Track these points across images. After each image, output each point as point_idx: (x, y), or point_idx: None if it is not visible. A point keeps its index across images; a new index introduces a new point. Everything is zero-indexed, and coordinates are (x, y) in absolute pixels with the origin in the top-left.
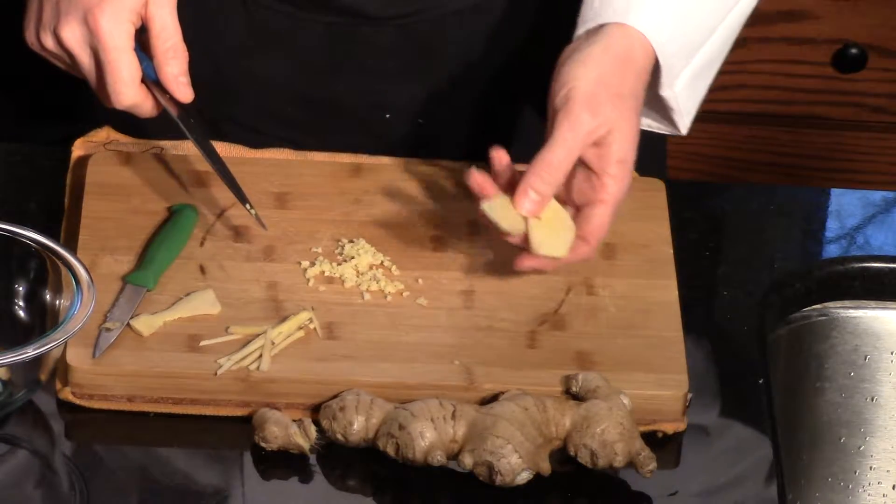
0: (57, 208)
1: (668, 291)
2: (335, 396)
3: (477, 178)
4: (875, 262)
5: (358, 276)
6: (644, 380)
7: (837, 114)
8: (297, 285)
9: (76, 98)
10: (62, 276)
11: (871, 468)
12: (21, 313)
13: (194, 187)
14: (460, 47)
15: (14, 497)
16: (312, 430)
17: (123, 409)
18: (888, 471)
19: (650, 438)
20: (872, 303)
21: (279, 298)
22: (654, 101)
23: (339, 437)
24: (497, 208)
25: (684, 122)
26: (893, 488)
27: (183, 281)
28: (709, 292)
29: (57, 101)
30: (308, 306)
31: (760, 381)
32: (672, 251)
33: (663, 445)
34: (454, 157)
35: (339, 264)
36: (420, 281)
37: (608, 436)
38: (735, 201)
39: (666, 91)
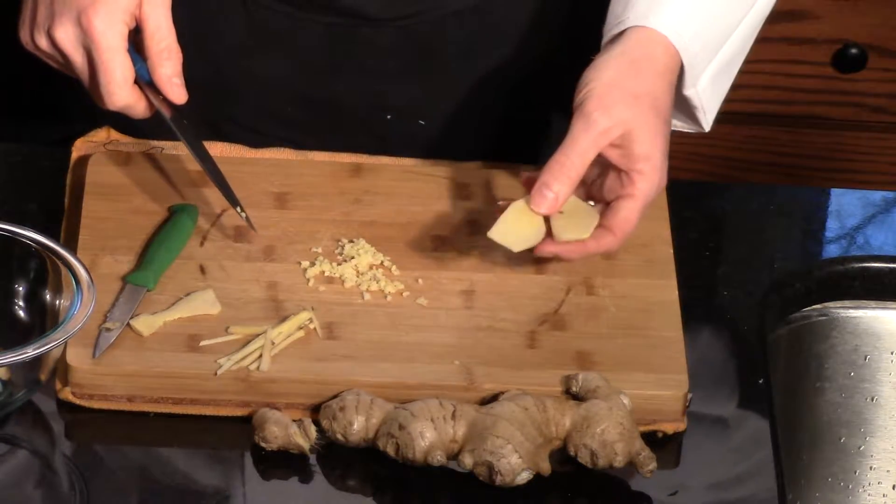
0: (57, 208)
1: (668, 291)
2: (335, 396)
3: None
4: (875, 262)
5: (358, 276)
6: (644, 380)
7: (837, 114)
8: (297, 285)
9: (76, 98)
10: (62, 276)
11: (871, 468)
12: (21, 313)
13: (195, 187)
14: (460, 48)
15: (14, 497)
16: (312, 430)
17: (123, 409)
18: (888, 471)
19: (650, 438)
20: (872, 303)
21: (279, 298)
22: (677, 101)
23: (339, 437)
24: (510, 221)
25: (707, 120)
26: (893, 488)
27: (183, 281)
28: (709, 292)
29: (57, 102)
30: (308, 306)
31: (760, 381)
32: (672, 251)
33: (663, 445)
34: (455, 158)
35: (339, 264)
36: (420, 281)
37: (608, 436)
38: (735, 201)
39: (689, 90)
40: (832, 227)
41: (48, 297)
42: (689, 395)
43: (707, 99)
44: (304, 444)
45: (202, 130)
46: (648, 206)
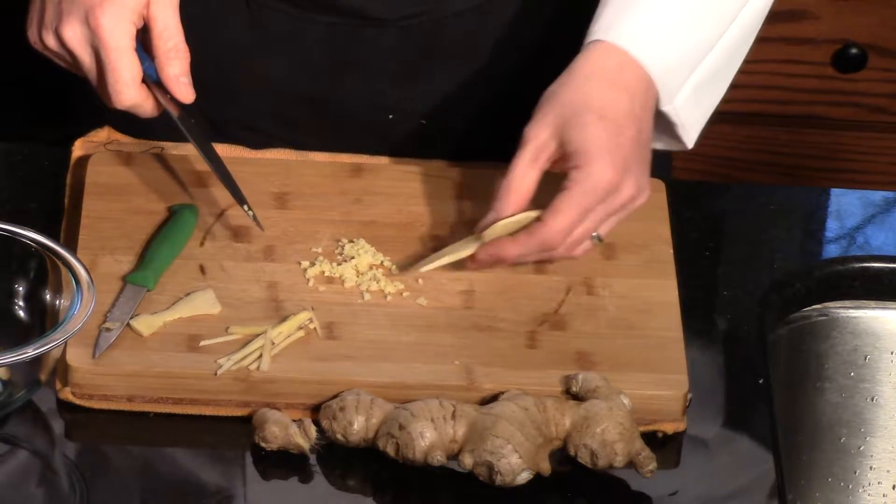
0: (57, 208)
1: (668, 291)
2: (335, 396)
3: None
4: (875, 262)
5: (358, 276)
6: (644, 380)
7: (837, 114)
8: (297, 285)
9: (76, 98)
10: (62, 276)
11: (871, 468)
12: (21, 313)
13: (194, 187)
14: (462, 49)
15: (14, 497)
16: (312, 430)
17: (123, 409)
18: (888, 471)
19: (650, 438)
20: (872, 303)
21: (279, 298)
22: (658, 119)
23: (339, 437)
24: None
25: (690, 137)
26: (893, 488)
27: (183, 281)
28: (709, 292)
29: (57, 101)
30: (308, 306)
31: (760, 381)
32: (672, 251)
33: (663, 445)
34: (456, 158)
35: (339, 264)
36: (420, 281)
37: (608, 436)
38: (735, 201)
39: (666, 106)
40: (832, 227)
41: (48, 297)
42: (689, 395)
43: (687, 115)
44: (304, 444)
45: (209, 130)
46: (595, 200)
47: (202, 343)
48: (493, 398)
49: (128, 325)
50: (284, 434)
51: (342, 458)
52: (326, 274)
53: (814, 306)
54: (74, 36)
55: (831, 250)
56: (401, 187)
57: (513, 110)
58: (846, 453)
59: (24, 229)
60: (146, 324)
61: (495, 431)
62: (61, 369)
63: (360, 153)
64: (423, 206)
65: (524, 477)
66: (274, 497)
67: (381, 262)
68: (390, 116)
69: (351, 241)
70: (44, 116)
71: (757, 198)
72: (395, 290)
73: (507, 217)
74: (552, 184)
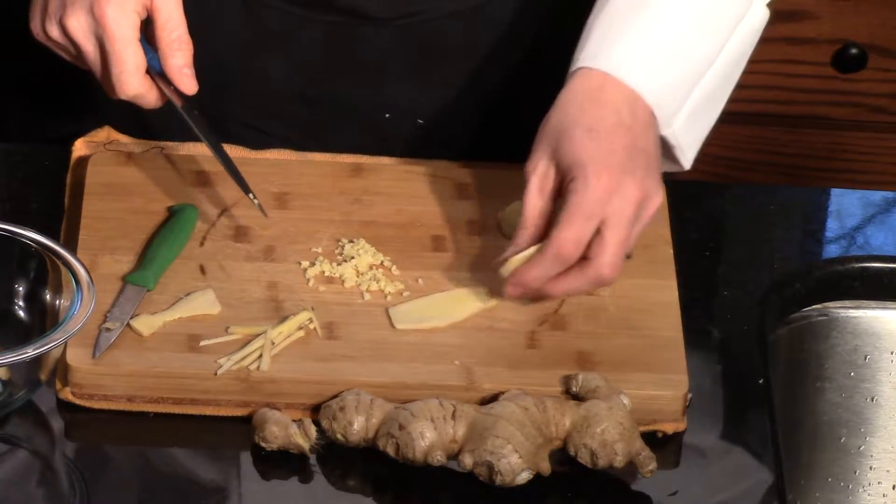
0: (57, 208)
1: (668, 291)
2: (335, 396)
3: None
4: (875, 262)
5: (358, 276)
6: (644, 380)
7: (837, 114)
8: (297, 285)
9: (76, 98)
10: (62, 276)
11: (871, 468)
12: (21, 313)
13: (194, 187)
14: (459, 48)
15: (14, 497)
16: (312, 430)
17: (123, 409)
18: (888, 471)
19: (650, 438)
20: (872, 303)
21: (279, 298)
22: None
23: (339, 437)
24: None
25: (687, 158)
26: (893, 488)
27: (183, 281)
28: (709, 292)
29: (57, 101)
30: (308, 306)
31: (760, 381)
32: (672, 251)
33: (663, 445)
34: (454, 157)
35: (339, 264)
36: (420, 281)
37: (608, 436)
38: (735, 201)
39: (665, 130)
40: (832, 227)
41: (48, 297)
42: (689, 396)
43: (685, 137)
44: (304, 444)
45: (211, 122)
46: (596, 205)
47: (202, 343)
48: (493, 398)
49: (128, 325)
50: (284, 434)
51: (342, 458)
52: (326, 274)
53: (814, 306)
54: (79, 26)
55: (831, 250)
56: (401, 187)
57: (510, 110)
58: (846, 453)
59: (24, 229)
60: (146, 324)
61: (495, 431)
62: (61, 369)
63: (357, 152)
64: (423, 206)
65: (524, 477)
66: (274, 497)
67: (381, 262)
68: (387, 115)
69: (351, 241)
70: (44, 116)
71: (757, 198)
72: (395, 290)
73: (523, 250)
74: None
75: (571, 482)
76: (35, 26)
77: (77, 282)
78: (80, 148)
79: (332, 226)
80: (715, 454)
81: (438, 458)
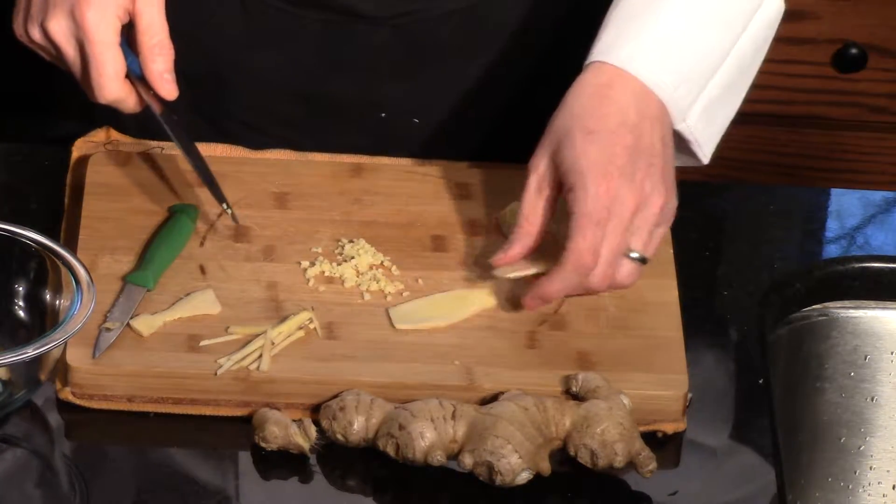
0: (57, 208)
1: (668, 291)
2: (335, 396)
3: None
4: (875, 262)
5: (358, 276)
6: (644, 380)
7: (837, 114)
8: (297, 285)
9: (77, 98)
10: (62, 276)
11: (871, 468)
12: (21, 313)
13: (195, 187)
14: (456, 47)
15: (14, 497)
16: (312, 430)
17: (123, 409)
18: (888, 471)
19: (650, 438)
20: (872, 303)
21: (279, 298)
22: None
23: (339, 437)
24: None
25: (705, 153)
26: (893, 488)
27: (183, 281)
28: (709, 292)
29: (57, 101)
30: (308, 306)
31: (760, 381)
32: (672, 251)
33: (663, 445)
34: (452, 157)
35: (339, 264)
36: (420, 281)
37: (608, 436)
38: (735, 201)
39: (679, 125)
40: (832, 227)
41: (48, 297)
42: (689, 395)
43: (701, 131)
44: (304, 444)
45: (192, 127)
46: (602, 211)
47: (202, 343)
48: (493, 398)
49: (128, 325)
50: (284, 434)
51: (342, 458)
52: (326, 274)
53: (814, 306)
54: (60, 29)
55: (831, 250)
56: (401, 187)
57: (506, 109)
58: (846, 453)
59: (24, 229)
60: (146, 324)
61: (495, 431)
62: (61, 369)
63: (354, 151)
64: (423, 206)
65: (524, 477)
66: (274, 497)
67: (381, 262)
68: (383, 115)
69: (351, 241)
70: (44, 116)
71: (757, 198)
72: (395, 290)
73: (518, 250)
74: None
75: (571, 482)
76: (17, 27)
77: (77, 282)
78: (80, 148)
79: (332, 226)
80: (715, 454)
81: (438, 458)
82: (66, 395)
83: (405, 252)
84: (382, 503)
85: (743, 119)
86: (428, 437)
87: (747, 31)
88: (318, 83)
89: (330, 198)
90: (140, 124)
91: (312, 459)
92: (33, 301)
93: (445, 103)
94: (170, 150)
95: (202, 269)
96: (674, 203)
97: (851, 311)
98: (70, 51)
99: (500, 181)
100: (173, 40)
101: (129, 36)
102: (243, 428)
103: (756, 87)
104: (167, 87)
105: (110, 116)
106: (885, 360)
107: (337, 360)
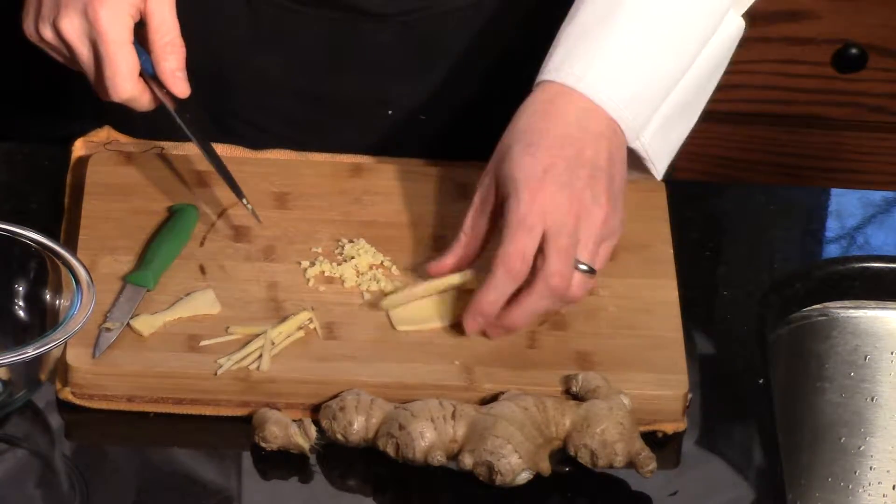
0: (57, 208)
1: (668, 291)
2: (335, 396)
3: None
4: (875, 262)
5: (358, 276)
6: (644, 380)
7: (837, 114)
8: (297, 285)
9: (76, 98)
10: (62, 276)
11: (871, 468)
12: (21, 313)
13: (194, 187)
14: (461, 45)
15: (14, 497)
16: (312, 430)
17: (123, 409)
18: (888, 471)
19: (650, 438)
20: (872, 303)
21: (279, 298)
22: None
23: (339, 437)
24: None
25: (658, 169)
26: (893, 488)
27: (183, 281)
28: (709, 292)
29: (58, 101)
30: (308, 306)
31: (760, 381)
32: (672, 251)
33: (663, 445)
34: (455, 154)
35: (339, 264)
36: (420, 281)
37: (608, 436)
38: (735, 201)
39: (634, 143)
40: (832, 227)
41: (48, 297)
42: (689, 395)
43: (655, 149)
44: (304, 444)
45: (206, 125)
46: (535, 218)
47: (202, 343)
48: (493, 398)
49: (128, 325)
50: (284, 434)
51: (342, 458)
52: (326, 274)
53: (814, 306)
54: (72, 28)
55: (831, 250)
56: (401, 187)
57: (511, 107)
58: (846, 453)
59: (24, 229)
60: (146, 324)
61: (495, 431)
62: (61, 369)
63: (358, 149)
64: (423, 206)
65: (524, 477)
66: (274, 497)
67: (381, 262)
68: (389, 112)
69: (351, 241)
70: (44, 116)
71: (757, 198)
72: (395, 290)
73: (459, 259)
74: None
75: (571, 482)
76: (28, 27)
77: (77, 282)
78: (80, 148)
79: (332, 226)
80: (715, 454)
81: (438, 458)
82: (66, 395)
83: (405, 252)
84: (382, 503)
85: (743, 119)
86: (428, 437)
87: (706, 49)
88: (323, 81)
89: (330, 198)
90: (151, 123)
91: (312, 459)
92: (33, 301)
93: (450, 101)
94: (170, 150)
95: (202, 269)
96: (618, 217)
97: (851, 311)
98: (83, 50)
99: None
100: None
101: (140, 35)
102: (243, 428)
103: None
104: (180, 85)
105: (120, 115)
106: (885, 360)
107: (337, 360)
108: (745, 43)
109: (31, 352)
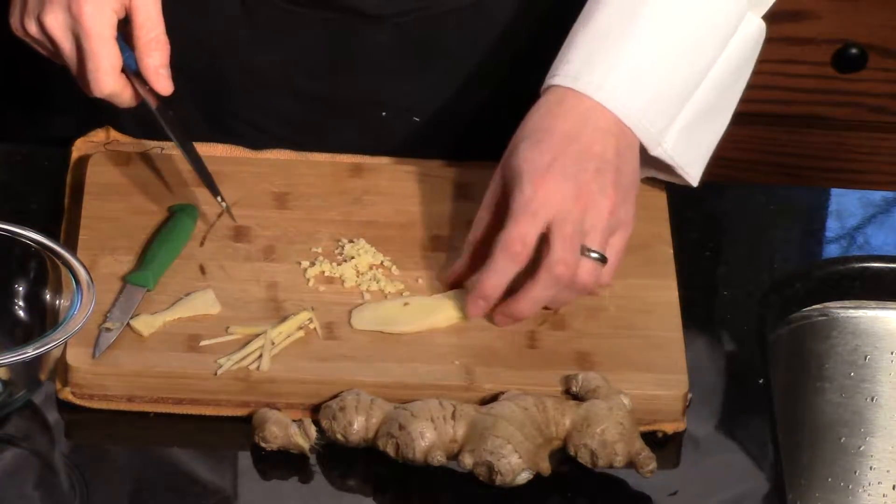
0: (57, 208)
1: (668, 291)
2: (335, 396)
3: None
4: (875, 262)
5: (358, 276)
6: (644, 380)
7: (837, 114)
8: (297, 285)
9: (76, 98)
10: (62, 276)
11: (871, 468)
12: (21, 313)
13: (195, 187)
14: (457, 46)
15: (14, 497)
16: (312, 430)
17: (123, 409)
18: (888, 471)
19: (650, 438)
20: (872, 303)
21: (279, 298)
22: (655, 161)
23: (339, 437)
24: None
25: (690, 175)
26: (893, 488)
27: (183, 281)
28: (709, 292)
29: (57, 101)
30: (308, 306)
31: (760, 381)
32: (672, 251)
33: (663, 445)
34: (453, 156)
35: (339, 264)
36: (420, 281)
37: (608, 436)
38: (735, 201)
39: (655, 150)
40: (832, 227)
41: (48, 297)
42: (689, 395)
43: (682, 155)
44: (304, 444)
45: (190, 123)
46: (539, 205)
47: (202, 343)
48: (493, 398)
49: (128, 325)
50: (284, 434)
51: (342, 458)
52: (326, 274)
53: (814, 306)
54: (56, 23)
55: (831, 250)
56: (401, 187)
57: (508, 108)
58: (846, 453)
59: (24, 229)
60: (146, 324)
61: (495, 431)
62: (61, 369)
63: (355, 149)
64: (423, 206)
65: (524, 477)
66: (274, 497)
67: (381, 262)
68: (384, 113)
69: (351, 241)
70: (44, 116)
71: (757, 198)
72: (395, 290)
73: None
74: None
75: (571, 482)
76: (14, 21)
77: (77, 282)
78: (80, 148)
79: (332, 226)
80: (715, 454)
81: (438, 458)
82: (66, 395)
83: (405, 252)
84: (382, 503)
85: (743, 119)
86: (428, 437)
87: (725, 52)
88: (319, 82)
89: (330, 198)
90: (139, 122)
91: (312, 459)
92: (33, 301)
93: (446, 101)
94: (170, 150)
95: (202, 269)
96: (628, 209)
97: (851, 311)
98: (66, 45)
99: None
100: (174, 38)
101: (124, 31)
102: (243, 428)
103: (756, 87)
104: (163, 83)
105: (111, 114)
106: (885, 360)
107: (337, 360)
108: None
109: (31, 352)
